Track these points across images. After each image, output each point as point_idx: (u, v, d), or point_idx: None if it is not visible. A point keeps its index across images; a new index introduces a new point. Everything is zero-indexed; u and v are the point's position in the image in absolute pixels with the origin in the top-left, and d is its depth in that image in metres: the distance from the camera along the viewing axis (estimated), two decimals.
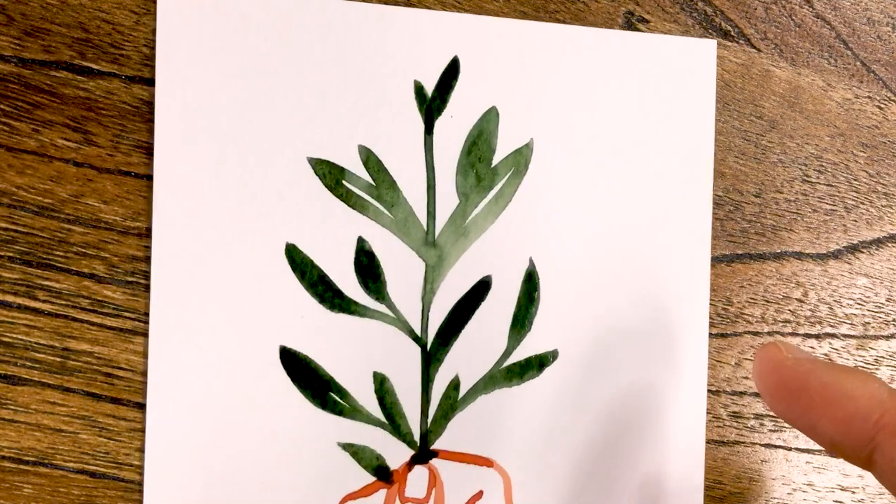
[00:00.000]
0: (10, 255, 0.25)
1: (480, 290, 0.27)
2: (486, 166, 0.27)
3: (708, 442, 0.29)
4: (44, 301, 0.25)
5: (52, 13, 0.25)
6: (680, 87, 0.28)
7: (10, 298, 0.25)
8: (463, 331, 0.27)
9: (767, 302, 0.29)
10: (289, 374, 0.26)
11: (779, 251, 0.30)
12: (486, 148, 0.27)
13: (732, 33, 0.29)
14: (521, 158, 0.27)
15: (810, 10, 0.30)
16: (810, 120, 0.30)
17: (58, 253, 0.25)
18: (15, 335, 0.25)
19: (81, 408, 0.25)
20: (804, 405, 0.19)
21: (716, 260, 0.29)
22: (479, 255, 0.27)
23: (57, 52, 0.25)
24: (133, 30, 0.26)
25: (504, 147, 0.27)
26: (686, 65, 0.28)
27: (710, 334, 0.29)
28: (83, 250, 0.25)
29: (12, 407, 0.25)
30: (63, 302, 0.25)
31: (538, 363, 0.27)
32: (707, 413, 0.29)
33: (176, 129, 0.25)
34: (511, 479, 0.27)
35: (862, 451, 0.18)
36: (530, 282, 0.27)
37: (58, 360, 0.25)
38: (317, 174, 0.26)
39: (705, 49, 0.29)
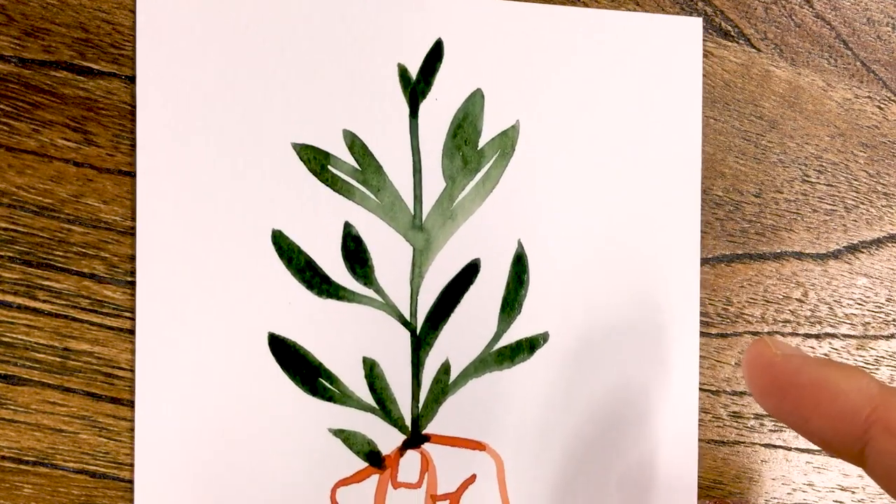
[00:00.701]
0: (10, 255, 0.25)
1: (469, 273, 0.27)
2: (472, 149, 0.27)
3: (708, 442, 0.29)
4: (44, 301, 0.25)
5: (52, 13, 0.25)
6: (666, 65, 0.28)
7: (10, 298, 0.25)
8: (452, 314, 0.27)
9: (767, 302, 0.29)
10: (278, 360, 0.26)
11: (779, 251, 0.30)
12: (472, 130, 0.27)
13: (732, 33, 0.29)
14: (507, 140, 0.27)
15: (810, 10, 0.30)
16: (810, 120, 0.30)
17: (58, 253, 0.25)
18: (15, 335, 0.25)
19: (81, 408, 0.25)
20: (794, 402, 0.19)
21: (716, 260, 0.29)
22: (466, 239, 0.27)
23: (57, 52, 0.25)
24: (133, 30, 0.26)
25: (490, 129, 0.27)
26: (672, 43, 0.28)
27: (711, 334, 0.29)
28: (83, 250, 0.25)
29: (12, 407, 0.25)
30: (63, 302, 0.25)
31: (529, 346, 0.27)
32: (707, 413, 0.29)
33: (159, 118, 0.25)
34: (504, 462, 0.27)
35: (854, 447, 0.18)
36: (519, 264, 0.27)
37: (58, 360, 0.25)
38: (302, 160, 0.26)
39: (691, 27, 0.28)
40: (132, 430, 0.25)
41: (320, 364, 0.26)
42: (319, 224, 0.26)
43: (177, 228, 0.25)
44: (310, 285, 0.26)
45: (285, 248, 0.26)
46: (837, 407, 0.18)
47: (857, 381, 0.18)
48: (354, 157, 0.26)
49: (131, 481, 0.25)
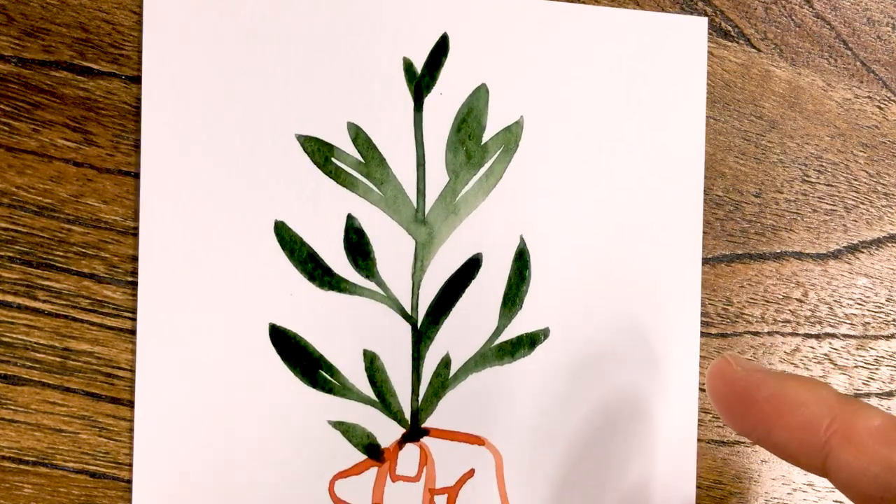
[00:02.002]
0: (10, 255, 0.25)
1: (471, 267, 0.27)
2: (475, 143, 0.27)
3: (708, 442, 0.29)
4: (44, 301, 0.25)
5: (52, 13, 0.25)
6: (671, 65, 0.28)
7: (10, 298, 0.25)
8: (453, 309, 0.27)
9: (767, 302, 0.29)
10: (278, 352, 0.26)
11: (779, 251, 0.30)
12: (476, 125, 0.27)
13: (732, 33, 0.29)
14: (511, 136, 0.27)
15: (810, 10, 0.30)
16: (810, 120, 0.30)
17: (58, 253, 0.25)
18: (15, 335, 0.25)
19: (81, 408, 0.25)
20: (756, 416, 0.19)
21: (716, 260, 0.29)
22: (469, 233, 0.27)
23: (57, 52, 0.25)
24: (133, 30, 0.26)
25: (494, 124, 0.27)
26: (677, 42, 0.28)
27: (711, 334, 0.29)
28: (83, 250, 0.25)
29: (12, 407, 0.25)
30: (63, 302, 0.25)
31: (529, 341, 0.27)
32: (707, 413, 0.29)
33: (163, 115, 0.25)
34: (503, 457, 0.27)
35: (816, 458, 0.18)
36: (521, 260, 0.27)
37: (58, 360, 0.25)
38: (306, 151, 0.26)
39: (696, 26, 0.29)
40: (132, 430, 0.25)
41: (321, 356, 0.26)
42: (322, 216, 0.26)
43: (179, 221, 0.25)
44: (312, 277, 0.26)
45: (288, 239, 0.26)
46: (798, 419, 0.18)
47: (817, 393, 0.18)
48: (358, 150, 0.26)
49: (131, 481, 0.25)
